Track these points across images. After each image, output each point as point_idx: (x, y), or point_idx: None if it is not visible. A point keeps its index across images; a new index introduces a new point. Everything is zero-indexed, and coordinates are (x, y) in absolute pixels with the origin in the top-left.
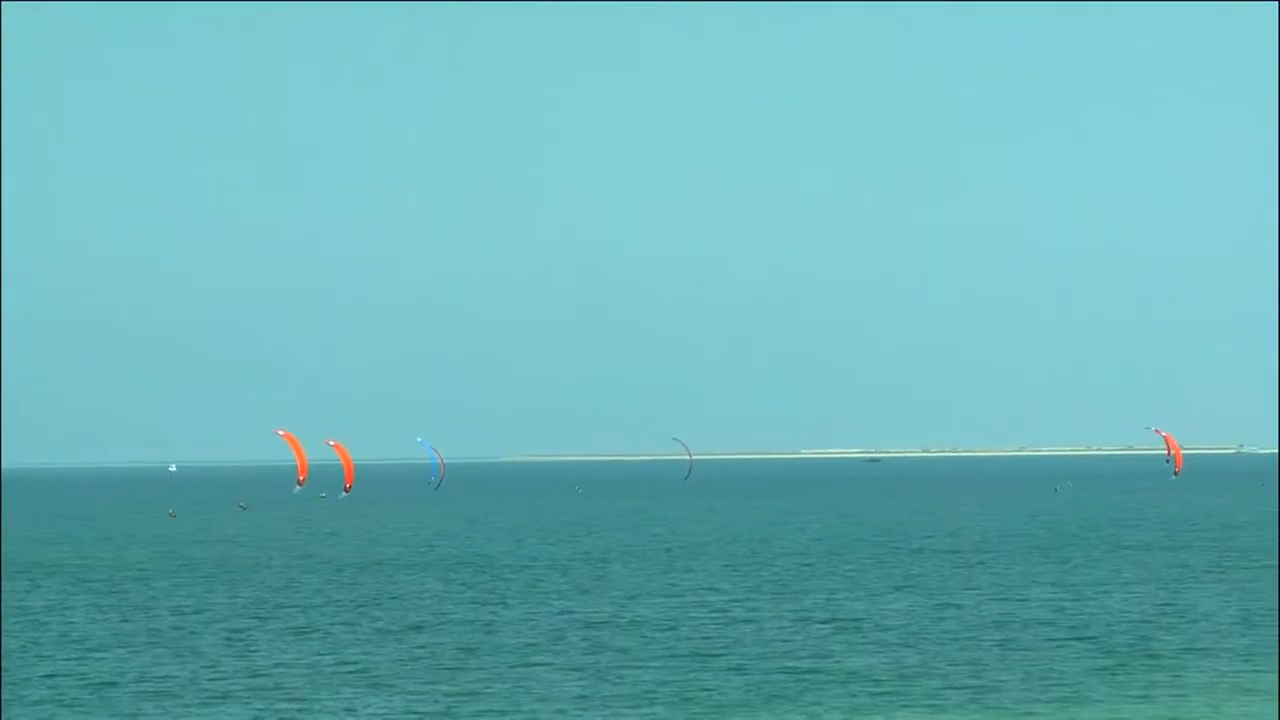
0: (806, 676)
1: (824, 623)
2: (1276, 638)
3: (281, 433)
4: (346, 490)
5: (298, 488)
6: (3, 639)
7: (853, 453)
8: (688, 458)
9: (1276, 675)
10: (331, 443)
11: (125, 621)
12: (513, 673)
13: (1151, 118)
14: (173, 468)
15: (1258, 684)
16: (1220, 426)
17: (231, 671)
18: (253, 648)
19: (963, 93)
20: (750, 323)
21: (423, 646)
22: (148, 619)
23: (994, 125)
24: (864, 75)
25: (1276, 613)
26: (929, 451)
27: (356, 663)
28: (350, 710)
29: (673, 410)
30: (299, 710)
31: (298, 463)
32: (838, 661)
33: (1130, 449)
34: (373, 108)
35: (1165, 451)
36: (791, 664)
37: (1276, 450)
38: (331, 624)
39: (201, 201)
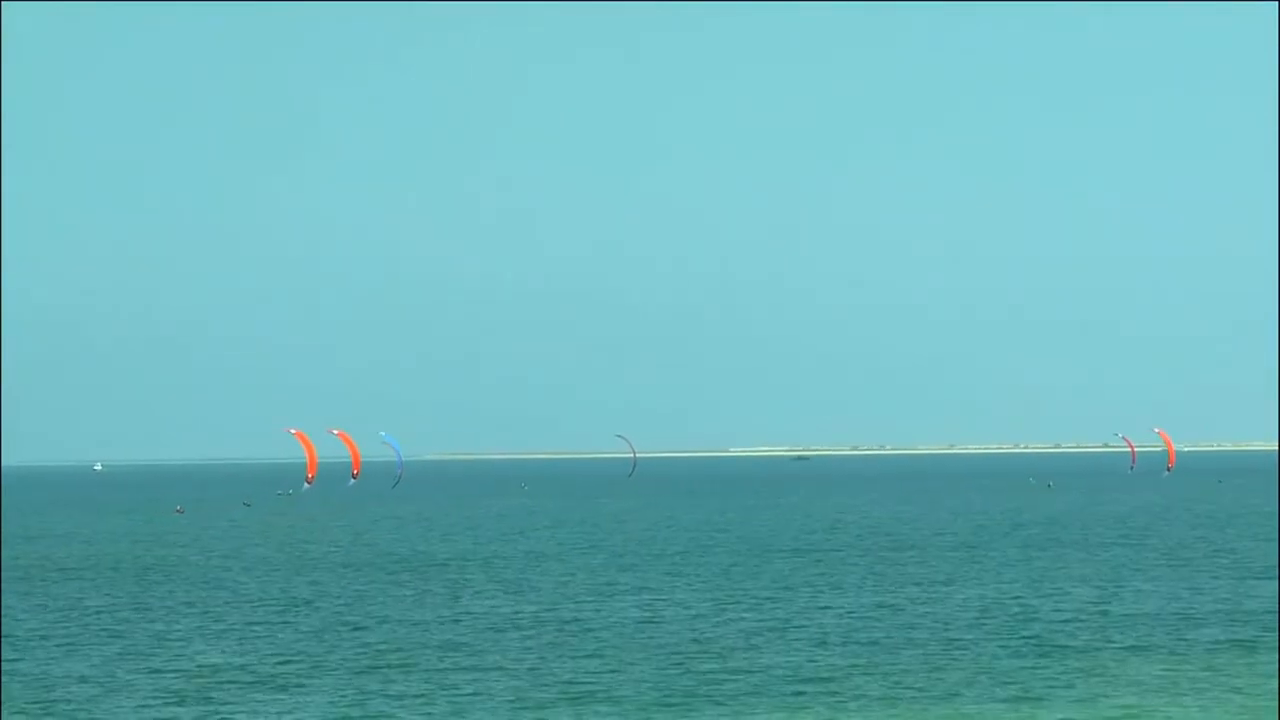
0: (740, 676)
1: (758, 621)
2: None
3: (293, 431)
4: (354, 477)
5: (306, 486)
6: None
7: (781, 450)
8: (631, 455)
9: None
10: (335, 431)
11: (61, 619)
12: (442, 673)
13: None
14: (98, 466)
15: (1197, 683)
16: (1144, 424)
17: (158, 671)
18: (185, 647)
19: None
20: (680, 321)
21: (356, 645)
22: (81, 616)
23: (955, 126)
24: (788, 80)
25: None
26: (857, 449)
27: (288, 662)
28: (279, 711)
29: (599, 408)
30: (228, 710)
31: (308, 460)
32: (774, 660)
33: (1058, 446)
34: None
35: (1130, 451)
36: (727, 663)
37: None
38: (267, 622)
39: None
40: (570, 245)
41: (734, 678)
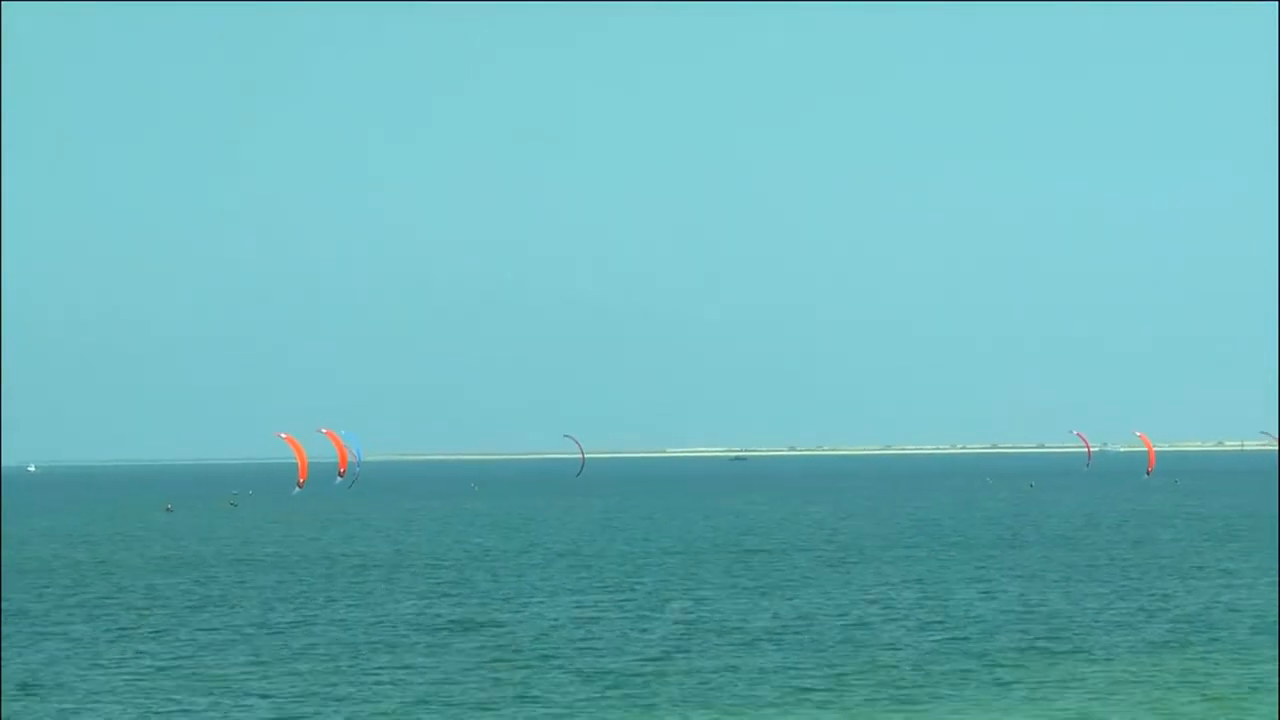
0: (680, 677)
1: (686, 624)
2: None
3: (283, 436)
4: (341, 475)
5: (297, 489)
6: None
7: (718, 451)
8: (580, 456)
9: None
10: (324, 430)
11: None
12: (379, 673)
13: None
14: (32, 468)
15: (1139, 682)
16: (1082, 425)
17: (96, 671)
18: (125, 648)
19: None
20: (617, 321)
21: (293, 646)
22: (21, 618)
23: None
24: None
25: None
26: (795, 450)
27: (227, 663)
28: (219, 713)
29: (538, 409)
30: (166, 711)
31: (298, 464)
32: (713, 661)
33: (994, 447)
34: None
35: (1086, 451)
36: (664, 665)
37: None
38: (205, 625)
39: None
40: (517, 248)
41: (673, 680)
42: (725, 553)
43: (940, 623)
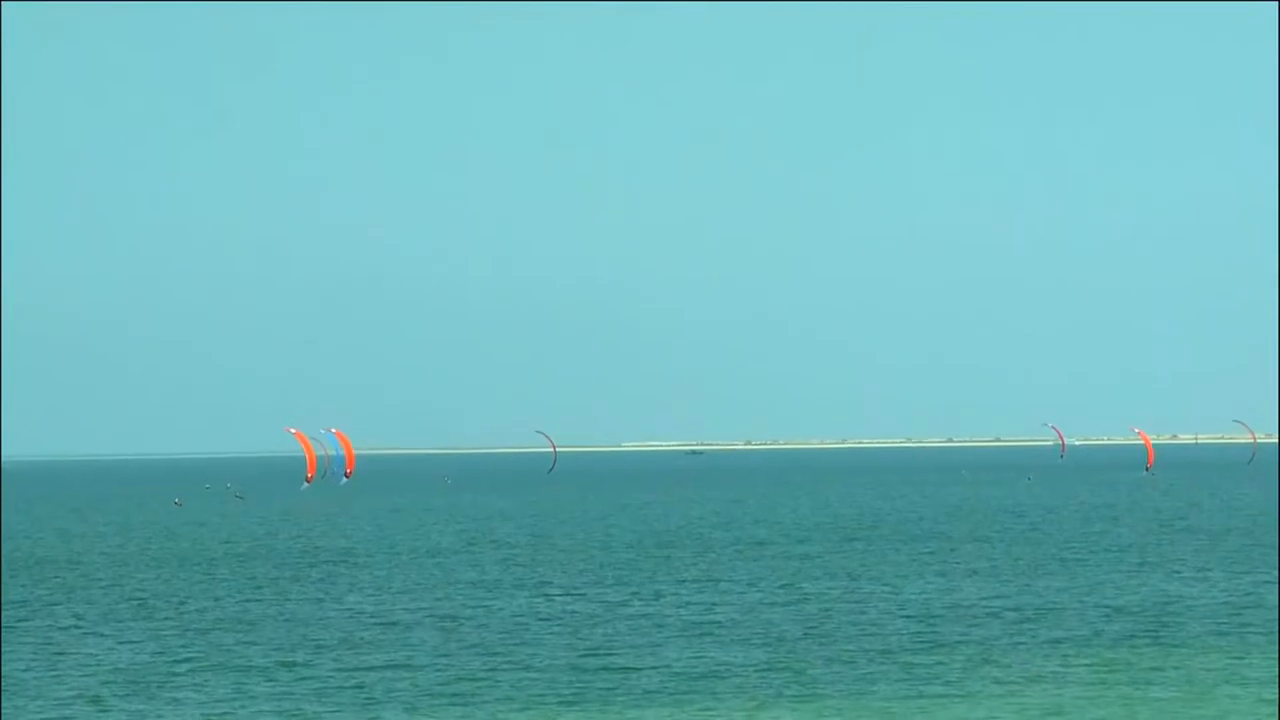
0: (641, 673)
1: (649, 617)
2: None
3: (293, 431)
4: (348, 476)
5: (306, 484)
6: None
7: (673, 445)
8: (551, 451)
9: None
10: (334, 430)
11: None
12: (313, 670)
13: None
14: None
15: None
16: (1035, 417)
17: (50, 670)
18: (80, 646)
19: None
20: (570, 316)
21: (247, 643)
22: None
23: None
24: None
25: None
26: (751, 444)
27: (180, 659)
28: (176, 711)
29: (496, 402)
30: (123, 708)
31: (307, 459)
32: (676, 656)
33: (951, 440)
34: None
35: (1060, 443)
36: (626, 660)
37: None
38: (165, 619)
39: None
40: (482, 246)
41: (638, 675)
42: (687, 547)
43: (911, 616)
